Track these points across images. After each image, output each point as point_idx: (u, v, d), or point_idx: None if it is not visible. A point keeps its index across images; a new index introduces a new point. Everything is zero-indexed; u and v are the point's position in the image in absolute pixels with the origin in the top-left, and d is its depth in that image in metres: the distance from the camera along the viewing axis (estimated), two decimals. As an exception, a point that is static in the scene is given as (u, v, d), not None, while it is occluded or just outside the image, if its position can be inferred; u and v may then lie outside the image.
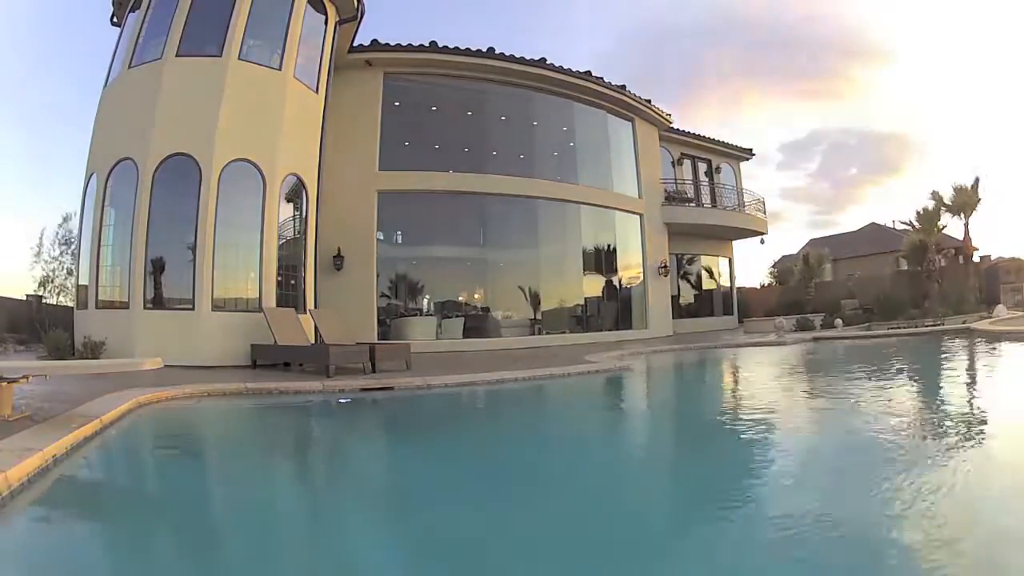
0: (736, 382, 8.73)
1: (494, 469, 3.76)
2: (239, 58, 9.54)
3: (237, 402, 6.12)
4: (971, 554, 2.09)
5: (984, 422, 4.42)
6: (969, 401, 5.56)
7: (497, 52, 13.88)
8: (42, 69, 23.06)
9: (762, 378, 8.56)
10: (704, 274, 21.59)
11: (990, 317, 13.91)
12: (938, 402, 5.62)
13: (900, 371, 8.18)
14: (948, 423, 4.40)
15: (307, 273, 10.34)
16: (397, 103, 14.03)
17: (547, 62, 14.54)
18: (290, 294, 10.09)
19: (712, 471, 3.55)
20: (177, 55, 9.40)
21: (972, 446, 3.67)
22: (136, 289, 8.80)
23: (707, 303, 21.58)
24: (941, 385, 6.68)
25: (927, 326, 13.92)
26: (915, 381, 7.26)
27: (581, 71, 15.22)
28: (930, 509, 2.49)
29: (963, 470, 3.14)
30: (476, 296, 16.59)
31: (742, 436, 4.60)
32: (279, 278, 9.66)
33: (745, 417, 5.59)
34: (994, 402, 5.40)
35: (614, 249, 16.98)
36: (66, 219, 16.84)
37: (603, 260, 16.82)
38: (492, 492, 3.18)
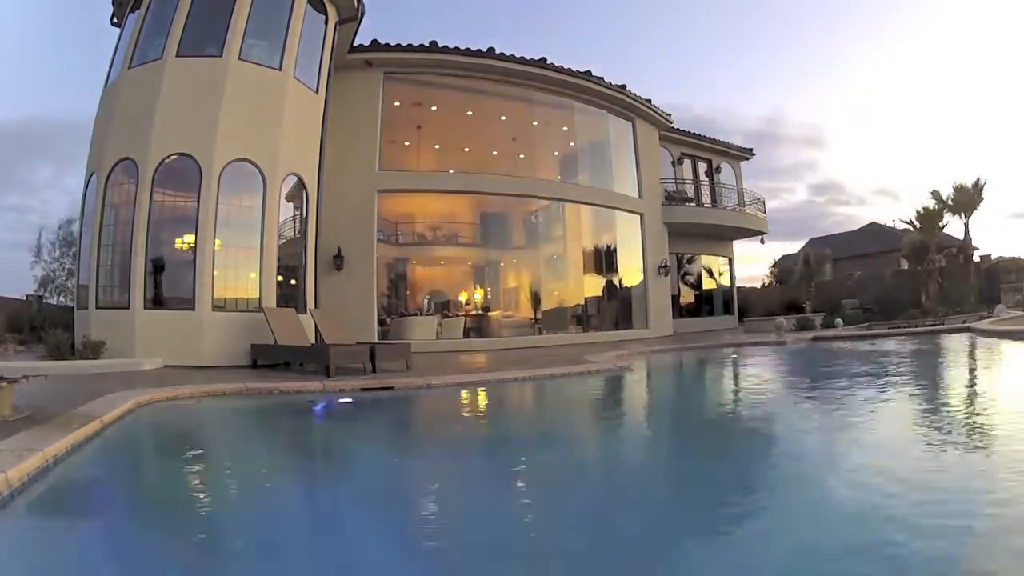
0: (736, 381, 8.73)
1: (495, 468, 3.76)
2: (239, 58, 9.55)
3: (237, 402, 6.11)
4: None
5: (982, 419, 4.42)
6: (968, 399, 5.56)
7: (497, 52, 13.88)
8: (42, 68, 23.11)
9: (762, 377, 8.56)
10: (704, 274, 21.59)
11: (990, 316, 13.92)
12: (933, 400, 5.62)
13: (898, 370, 8.17)
14: (944, 421, 4.40)
15: (307, 273, 10.35)
16: (397, 103, 14.05)
17: (547, 62, 14.52)
18: (290, 294, 10.10)
19: (712, 470, 3.55)
20: (177, 55, 9.41)
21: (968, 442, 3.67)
22: (136, 289, 8.80)
23: (707, 303, 21.59)
24: (938, 384, 6.68)
25: (927, 326, 13.93)
26: (913, 380, 7.25)
27: (581, 71, 15.20)
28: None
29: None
30: (476, 296, 16.62)
31: (742, 435, 4.60)
32: (279, 278, 9.67)
33: (745, 415, 5.59)
34: (992, 400, 5.39)
35: (614, 249, 16.97)
36: (67, 221, 16.87)
37: (603, 260, 16.81)
38: (493, 491, 3.18)
